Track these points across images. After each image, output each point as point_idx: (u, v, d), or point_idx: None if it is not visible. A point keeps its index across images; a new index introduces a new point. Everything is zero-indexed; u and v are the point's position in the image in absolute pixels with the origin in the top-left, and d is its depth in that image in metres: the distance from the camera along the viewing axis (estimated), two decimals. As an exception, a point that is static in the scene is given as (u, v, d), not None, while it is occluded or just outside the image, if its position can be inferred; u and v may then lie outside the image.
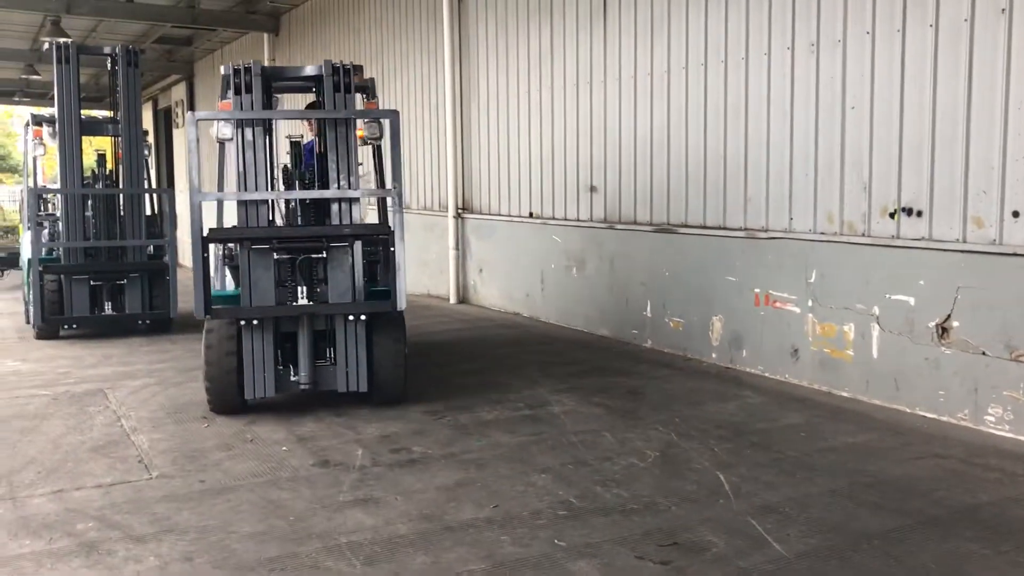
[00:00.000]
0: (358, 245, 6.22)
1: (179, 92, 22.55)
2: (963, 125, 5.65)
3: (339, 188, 6.28)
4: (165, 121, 25.42)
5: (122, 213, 10.28)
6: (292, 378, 6.21)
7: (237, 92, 6.23)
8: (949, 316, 5.79)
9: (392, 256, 6.07)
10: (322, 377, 6.25)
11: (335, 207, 6.30)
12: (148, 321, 10.19)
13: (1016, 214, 5.39)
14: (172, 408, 6.61)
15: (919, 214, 5.96)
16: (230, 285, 6.69)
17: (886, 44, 6.10)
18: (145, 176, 10.52)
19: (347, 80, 6.48)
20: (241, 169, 6.12)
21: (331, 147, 6.31)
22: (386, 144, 6.59)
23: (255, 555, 3.98)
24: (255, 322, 6.01)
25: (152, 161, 11.02)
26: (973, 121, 5.60)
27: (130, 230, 10.18)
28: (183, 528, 4.31)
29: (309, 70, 6.74)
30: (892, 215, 6.14)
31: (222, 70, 6.54)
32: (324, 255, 6.15)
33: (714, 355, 7.77)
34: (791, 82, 6.86)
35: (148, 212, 10.62)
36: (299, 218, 6.44)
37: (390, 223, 6.30)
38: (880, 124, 6.18)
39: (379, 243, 6.59)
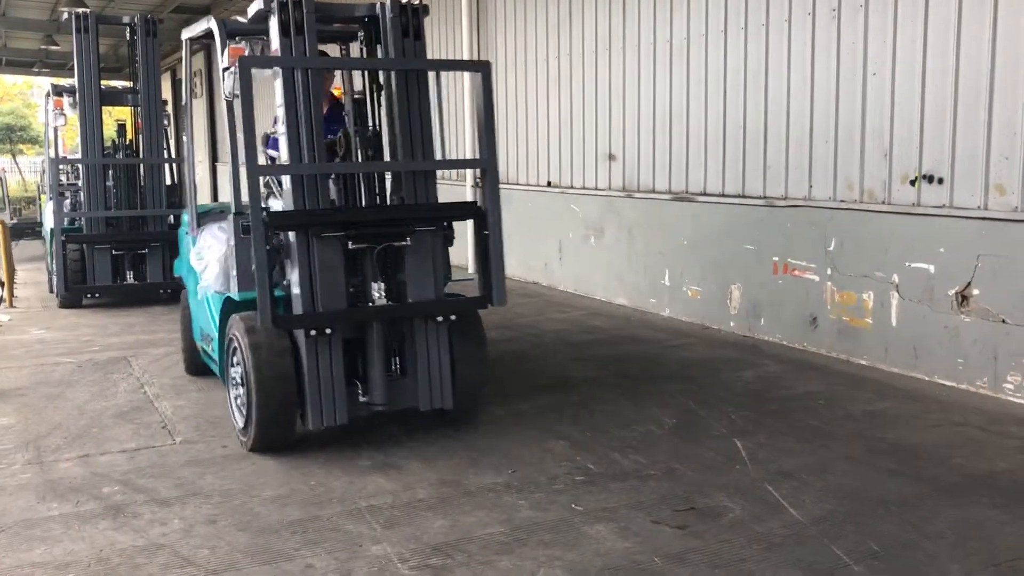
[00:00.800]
0: (431, 230, 5.09)
1: (197, 62, 22.56)
2: (986, 91, 5.59)
3: (413, 159, 5.08)
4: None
5: (142, 183, 10.37)
6: (361, 398, 4.97)
7: (285, 33, 4.80)
8: (969, 284, 5.76)
9: (486, 240, 5.11)
10: (395, 394, 5.03)
11: (408, 183, 5.07)
12: (170, 290, 10.28)
13: (1038, 181, 5.35)
14: (195, 375, 6.69)
15: (940, 181, 5.92)
16: (234, 287, 5.35)
17: (909, 9, 6.02)
18: (164, 146, 10.58)
19: (416, 22, 5.14)
20: (294, 134, 4.78)
21: (400, 107, 5.06)
22: (432, 102, 5.25)
23: (277, 518, 4.05)
24: (327, 331, 4.74)
25: (171, 131, 11.08)
26: (996, 87, 5.54)
27: (150, 199, 10.26)
28: (207, 492, 4.38)
29: (362, 9, 5.28)
30: (913, 182, 6.10)
31: (255, 3, 5.07)
32: (408, 242, 4.94)
33: (732, 324, 7.76)
34: (812, 48, 6.79)
35: (168, 182, 10.70)
36: (362, 198, 5.10)
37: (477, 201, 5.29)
38: (902, 91, 6.12)
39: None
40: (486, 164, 5.16)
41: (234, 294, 5.15)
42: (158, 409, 5.84)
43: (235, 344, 4.94)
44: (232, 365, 5.09)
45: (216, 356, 5.56)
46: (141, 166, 10.38)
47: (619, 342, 7.58)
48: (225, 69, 4.93)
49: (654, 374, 6.49)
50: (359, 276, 4.95)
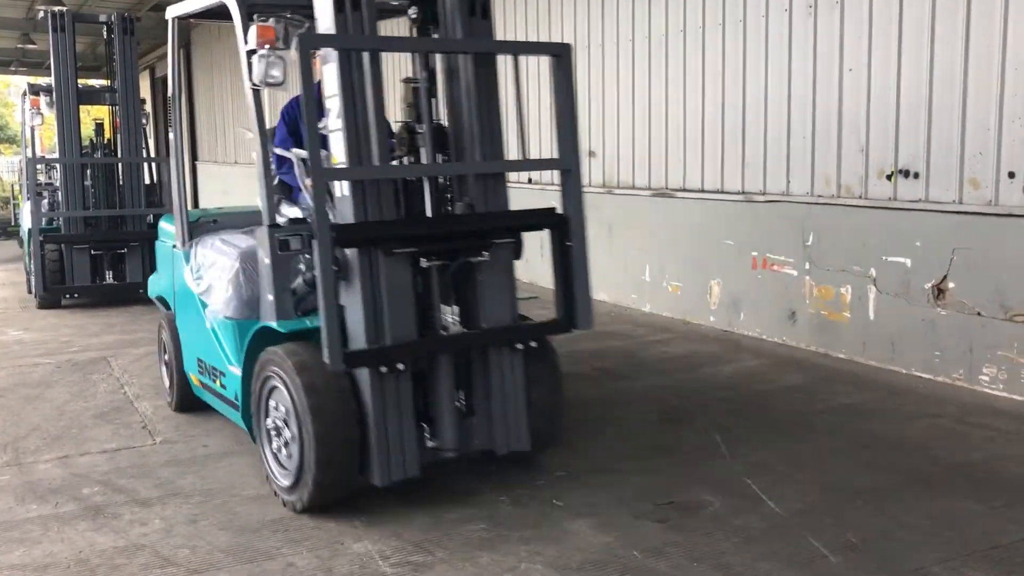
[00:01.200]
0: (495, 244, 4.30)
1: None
2: (960, 86, 5.64)
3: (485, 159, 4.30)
4: (163, 90, 25.33)
5: (121, 182, 10.33)
6: (428, 443, 4.15)
7: (339, 8, 3.97)
8: (945, 277, 5.82)
9: (568, 253, 4.38)
10: (465, 435, 4.23)
11: (478, 187, 4.29)
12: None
13: (1012, 175, 5.40)
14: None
15: (916, 176, 5.97)
16: (237, 308, 4.85)
17: (884, 6, 6.07)
18: (143, 145, 10.54)
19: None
20: (353, 130, 3.98)
21: (469, 98, 4.28)
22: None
23: (258, 517, 4.05)
24: (400, 367, 3.96)
25: (151, 130, 11.05)
26: (970, 83, 5.59)
27: (129, 199, 10.23)
28: (187, 492, 4.37)
29: None
30: (889, 177, 6.15)
31: None
32: (486, 257, 4.23)
33: (712, 319, 7.81)
34: (788, 44, 6.83)
35: (147, 181, 10.66)
36: (427, 206, 4.28)
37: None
38: (878, 86, 6.17)
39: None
40: (568, 164, 4.45)
41: (272, 323, 4.36)
42: (138, 409, 5.82)
43: (276, 384, 4.13)
44: (269, 411, 4.24)
45: (231, 395, 4.82)
46: (119, 165, 10.34)
47: (600, 337, 7.59)
48: (251, 52, 4.24)
49: (635, 369, 6.52)
50: (428, 299, 4.14)
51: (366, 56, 4.01)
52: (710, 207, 7.73)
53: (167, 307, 5.97)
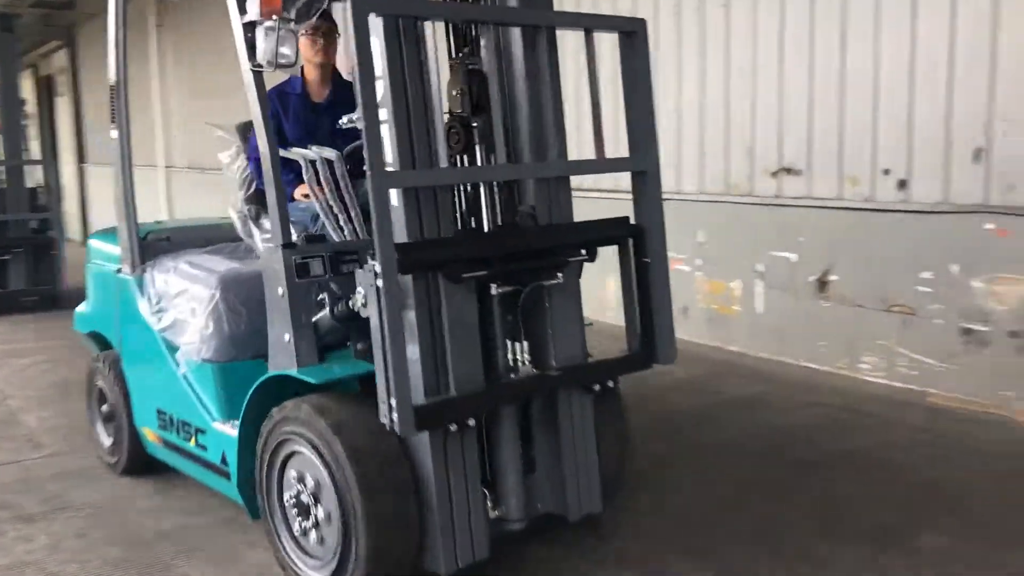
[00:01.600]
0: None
1: (61, 59, 21.64)
2: (838, 87, 5.87)
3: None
4: (47, 89, 24.40)
5: (2, 186, 9.96)
6: (492, 513, 3.33)
7: None
8: (828, 271, 6.05)
9: (645, 271, 3.64)
10: (530, 500, 3.45)
11: (541, 193, 3.55)
12: (35, 297, 9.89)
13: (887, 172, 5.65)
14: (63, 385, 6.45)
15: (799, 173, 6.19)
16: (218, 349, 3.91)
17: (765, 9, 6.27)
18: (24, 147, 10.18)
19: None
20: (405, 125, 3.12)
21: (524, 84, 3.53)
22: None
23: (152, 528, 3.97)
24: (470, 424, 3.17)
25: (33, 131, 10.69)
26: (848, 84, 5.82)
27: (12, 203, 9.85)
28: (77, 505, 4.25)
29: None
30: (774, 175, 6.36)
31: None
32: (560, 279, 3.48)
33: (610, 314, 7.92)
34: (678, 44, 6.99)
35: (30, 184, 10.30)
36: (486, 217, 3.45)
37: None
38: (763, 86, 6.37)
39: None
40: (644, 165, 3.69)
41: (290, 371, 3.43)
42: (22, 422, 5.62)
43: (298, 448, 3.28)
44: (286, 483, 3.39)
45: (214, 458, 3.89)
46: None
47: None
48: (251, 24, 3.40)
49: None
50: (490, 334, 3.32)
51: (425, 28, 3.18)
52: (605, 205, 7.73)
53: (105, 346, 4.92)
